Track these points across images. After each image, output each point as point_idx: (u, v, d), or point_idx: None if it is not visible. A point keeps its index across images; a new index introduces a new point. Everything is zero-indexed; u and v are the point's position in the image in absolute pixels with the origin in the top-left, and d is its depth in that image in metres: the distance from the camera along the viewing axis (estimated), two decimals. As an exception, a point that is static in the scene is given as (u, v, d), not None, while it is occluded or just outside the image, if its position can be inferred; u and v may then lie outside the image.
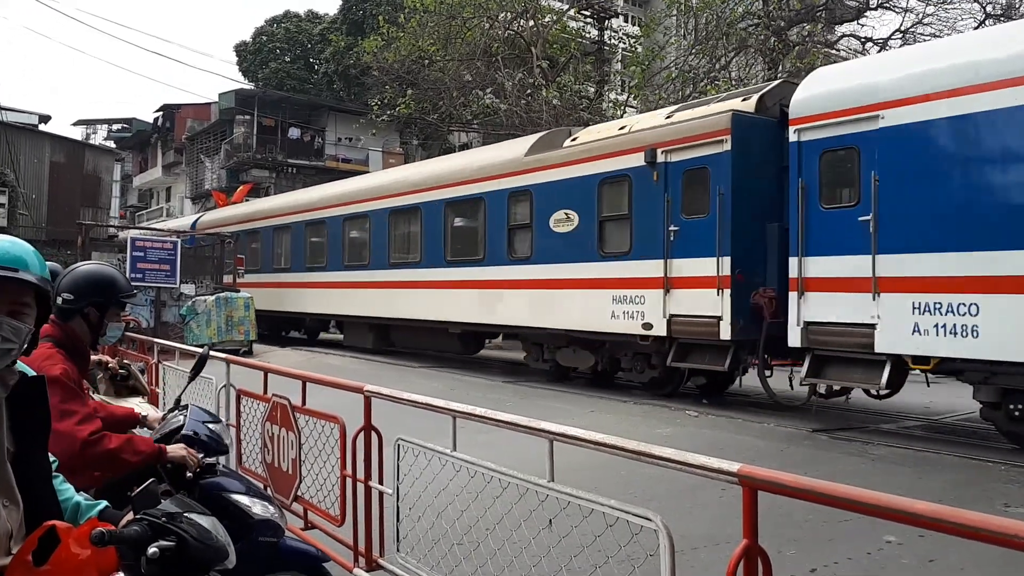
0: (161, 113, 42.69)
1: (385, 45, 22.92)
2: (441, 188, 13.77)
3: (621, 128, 10.90)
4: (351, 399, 3.93)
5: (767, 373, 8.91)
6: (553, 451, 2.77)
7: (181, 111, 40.72)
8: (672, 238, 9.48)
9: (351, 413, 3.92)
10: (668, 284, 9.48)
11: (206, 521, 1.84)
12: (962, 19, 20.72)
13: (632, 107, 21.26)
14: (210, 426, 2.94)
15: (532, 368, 12.27)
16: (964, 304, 6.90)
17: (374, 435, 3.78)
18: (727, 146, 8.98)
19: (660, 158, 9.62)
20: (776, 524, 4.30)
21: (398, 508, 3.55)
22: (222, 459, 3.11)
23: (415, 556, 3.49)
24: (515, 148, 12.88)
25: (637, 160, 9.89)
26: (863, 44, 21.78)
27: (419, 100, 22.74)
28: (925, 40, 18.53)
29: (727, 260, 8.92)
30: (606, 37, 23.37)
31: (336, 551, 3.85)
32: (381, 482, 3.74)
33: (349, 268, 16.06)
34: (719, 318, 8.90)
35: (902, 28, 20.72)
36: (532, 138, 12.73)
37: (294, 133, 34.74)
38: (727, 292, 8.86)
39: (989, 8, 19.37)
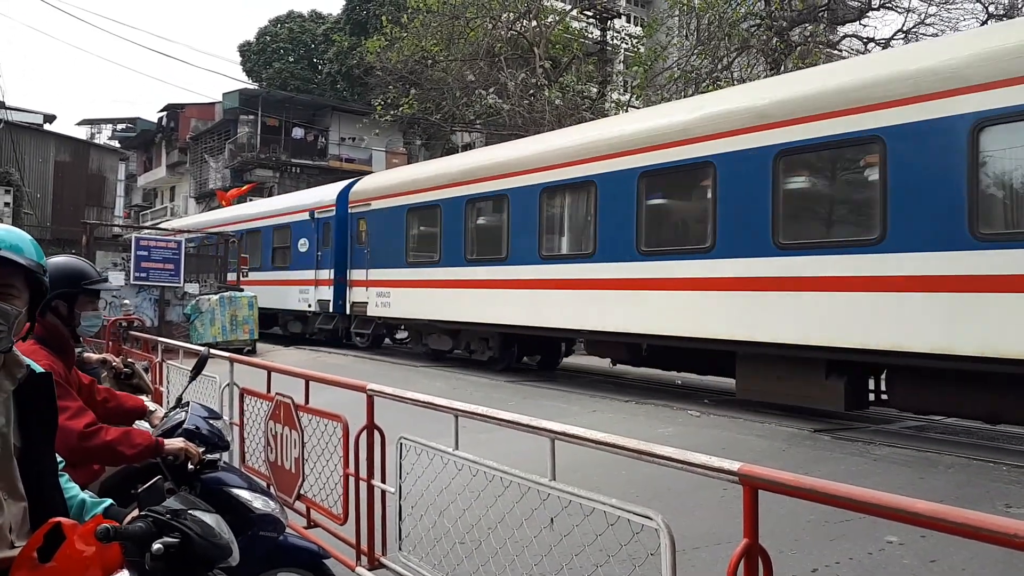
0: (165, 113, 42.83)
1: (388, 45, 22.97)
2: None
3: None
4: (354, 398, 3.93)
5: None
6: (555, 450, 2.77)
7: (185, 111, 40.82)
8: None
9: (354, 412, 3.93)
10: None
11: (210, 518, 1.85)
12: (964, 19, 20.78)
13: (635, 107, 21.25)
14: (211, 421, 2.95)
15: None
16: None
17: (376, 434, 3.79)
18: None
19: None
20: (777, 524, 4.31)
21: (400, 507, 3.56)
22: (224, 456, 3.13)
23: (417, 555, 3.50)
24: None
25: None
26: (865, 44, 21.80)
27: (422, 100, 22.81)
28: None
29: None
30: (608, 37, 23.41)
31: (339, 550, 3.86)
32: (383, 481, 3.75)
33: (726, 254, 8.54)
34: None
35: (904, 28, 20.77)
36: None
37: (298, 133, 34.80)
38: None
39: (991, 8, 19.37)
